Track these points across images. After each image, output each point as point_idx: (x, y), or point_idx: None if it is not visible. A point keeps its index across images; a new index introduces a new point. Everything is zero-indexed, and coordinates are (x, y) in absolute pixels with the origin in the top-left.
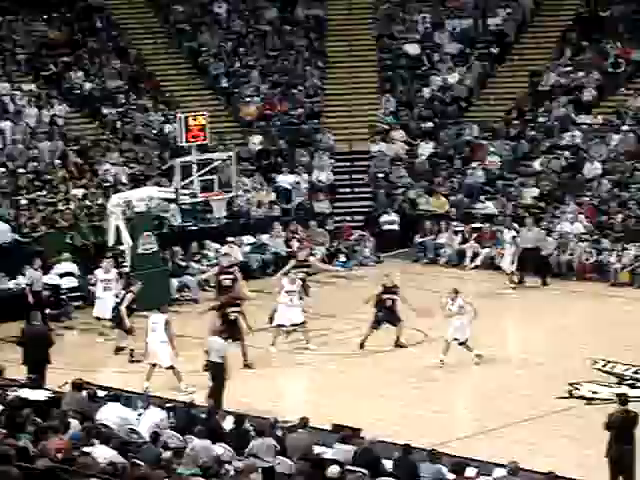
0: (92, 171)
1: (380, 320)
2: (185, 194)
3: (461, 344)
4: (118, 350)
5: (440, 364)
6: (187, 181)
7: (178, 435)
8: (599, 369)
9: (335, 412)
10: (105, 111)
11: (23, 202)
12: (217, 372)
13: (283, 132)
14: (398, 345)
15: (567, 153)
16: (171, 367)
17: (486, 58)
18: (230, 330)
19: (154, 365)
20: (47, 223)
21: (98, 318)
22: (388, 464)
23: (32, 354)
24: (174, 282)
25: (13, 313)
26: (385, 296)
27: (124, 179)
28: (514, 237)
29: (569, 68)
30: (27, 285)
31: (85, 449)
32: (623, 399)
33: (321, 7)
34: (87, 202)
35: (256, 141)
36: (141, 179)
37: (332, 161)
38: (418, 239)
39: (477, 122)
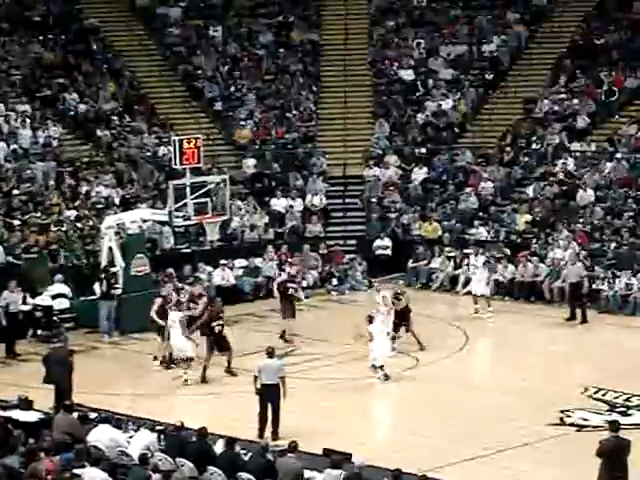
0: (85, 193)
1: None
2: (179, 217)
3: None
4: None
5: None
6: (181, 204)
7: (169, 458)
8: (590, 396)
9: (326, 437)
10: (99, 133)
11: (16, 223)
12: (275, 395)
13: (277, 156)
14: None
15: (560, 179)
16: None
17: (480, 84)
18: (217, 342)
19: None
20: (39, 245)
21: None
22: None
23: (54, 376)
24: None
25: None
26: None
27: (117, 201)
28: (486, 262)
29: (563, 95)
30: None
31: (76, 471)
32: (615, 426)
33: (316, 32)
34: (80, 224)
35: (250, 164)
36: (133, 201)
37: (326, 185)
38: (411, 264)
39: (471, 148)
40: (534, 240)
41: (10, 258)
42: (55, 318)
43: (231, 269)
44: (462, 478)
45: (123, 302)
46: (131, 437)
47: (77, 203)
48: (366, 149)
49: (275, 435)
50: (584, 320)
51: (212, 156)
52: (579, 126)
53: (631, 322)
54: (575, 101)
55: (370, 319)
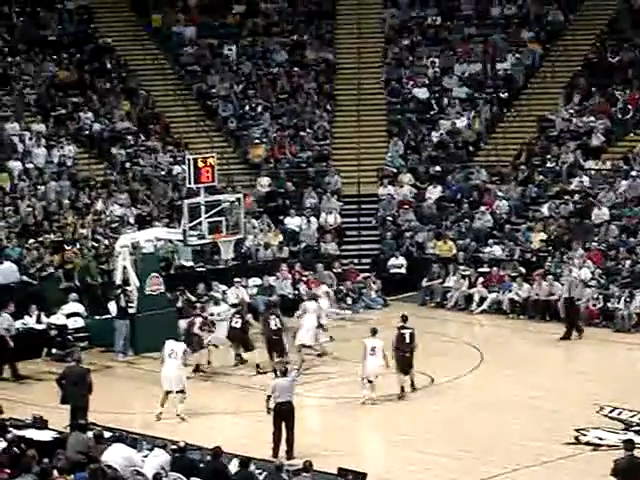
0: (100, 212)
1: None
2: (193, 235)
3: None
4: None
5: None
6: (195, 222)
7: (183, 477)
8: (605, 415)
9: (341, 456)
10: (114, 152)
11: (31, 242)
12: (290, 413)
13: (291, 174)
14: None
15: (575, 198)
16: (182, 391)
17: (495, 103)
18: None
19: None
20: (54, 264)
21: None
22: None
23: (70, 395)
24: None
25: (18, 353)
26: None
27: (131, 220)
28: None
29: (578, 113)
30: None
31: None
32: (630, 445)
33: (331, 51)
34: (94, 243)
35: (264, 183)
36: (148, 220)
37: (340, 204)
38: (425, 283)
39: (485, 166)
40: (549, 259)
41: (25, 277)
42: (69, 337)
43: (245, 287)
44: None
45: (138, 321)
46: (145, 456)
47: (91, 222)
48: (380, 167)
49: (290, 454)
50: (567, 336)
51: (226, 175)
52: (594, 144)
53: None
54: (590, 119)
55: (374, 332)
